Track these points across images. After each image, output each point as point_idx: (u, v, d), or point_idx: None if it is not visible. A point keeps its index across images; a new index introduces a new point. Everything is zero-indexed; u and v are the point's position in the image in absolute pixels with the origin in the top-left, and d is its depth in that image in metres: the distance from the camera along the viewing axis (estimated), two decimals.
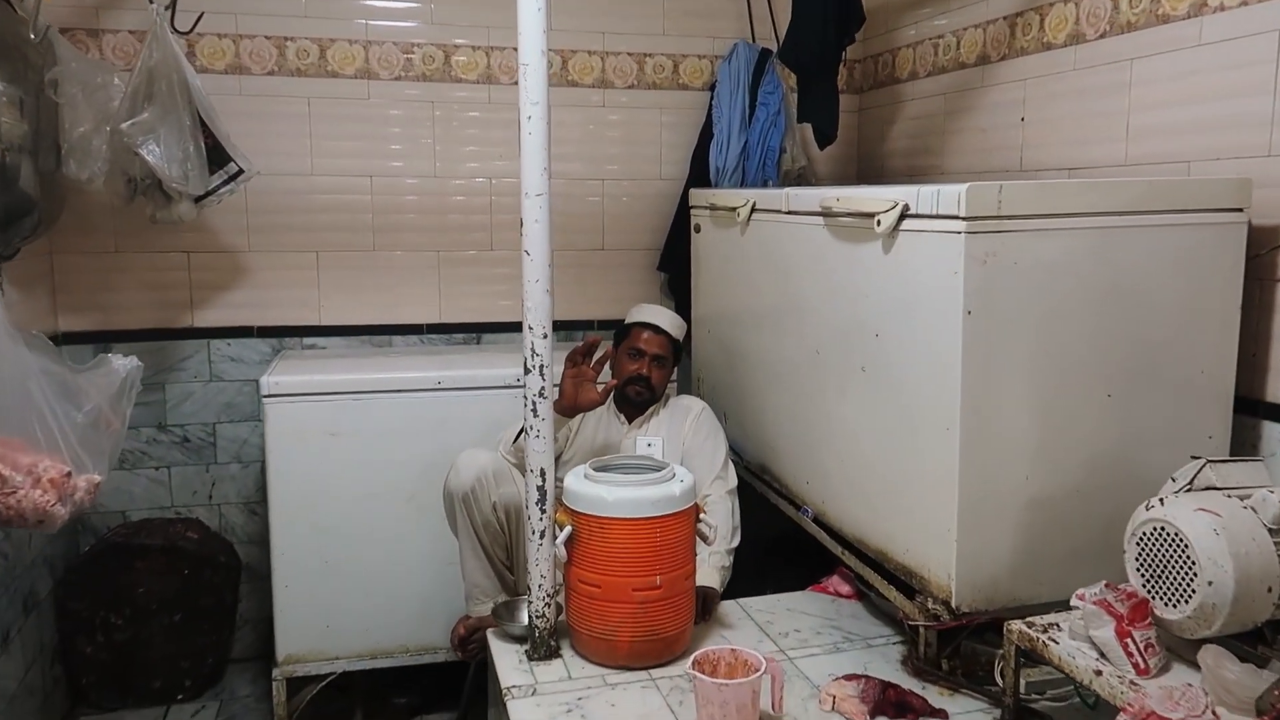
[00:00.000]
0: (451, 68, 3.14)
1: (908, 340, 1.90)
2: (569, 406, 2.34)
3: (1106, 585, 1.55)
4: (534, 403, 1.93)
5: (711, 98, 3.25)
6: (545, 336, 1.91)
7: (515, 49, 1.84)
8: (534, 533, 1.97)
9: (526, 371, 1.93)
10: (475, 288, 3.25)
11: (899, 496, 1.97)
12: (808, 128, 3.09)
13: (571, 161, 3.24)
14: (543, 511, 1.96)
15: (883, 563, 2.04)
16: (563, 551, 1.96)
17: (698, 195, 3.09)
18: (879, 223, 1.92)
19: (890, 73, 3.29)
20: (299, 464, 2.68)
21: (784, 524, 2.53)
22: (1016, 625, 1.65)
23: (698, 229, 3.07)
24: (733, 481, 2.51)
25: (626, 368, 2.55)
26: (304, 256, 3.11)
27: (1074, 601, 1.55)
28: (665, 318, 2.61)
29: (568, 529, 1.96)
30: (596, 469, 2.03)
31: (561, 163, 3.13)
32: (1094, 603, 1.51)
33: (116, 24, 2.87)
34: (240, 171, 2.63)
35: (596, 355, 2.38)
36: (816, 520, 2.33)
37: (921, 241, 1.84)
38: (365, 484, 2.72)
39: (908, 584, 1.95)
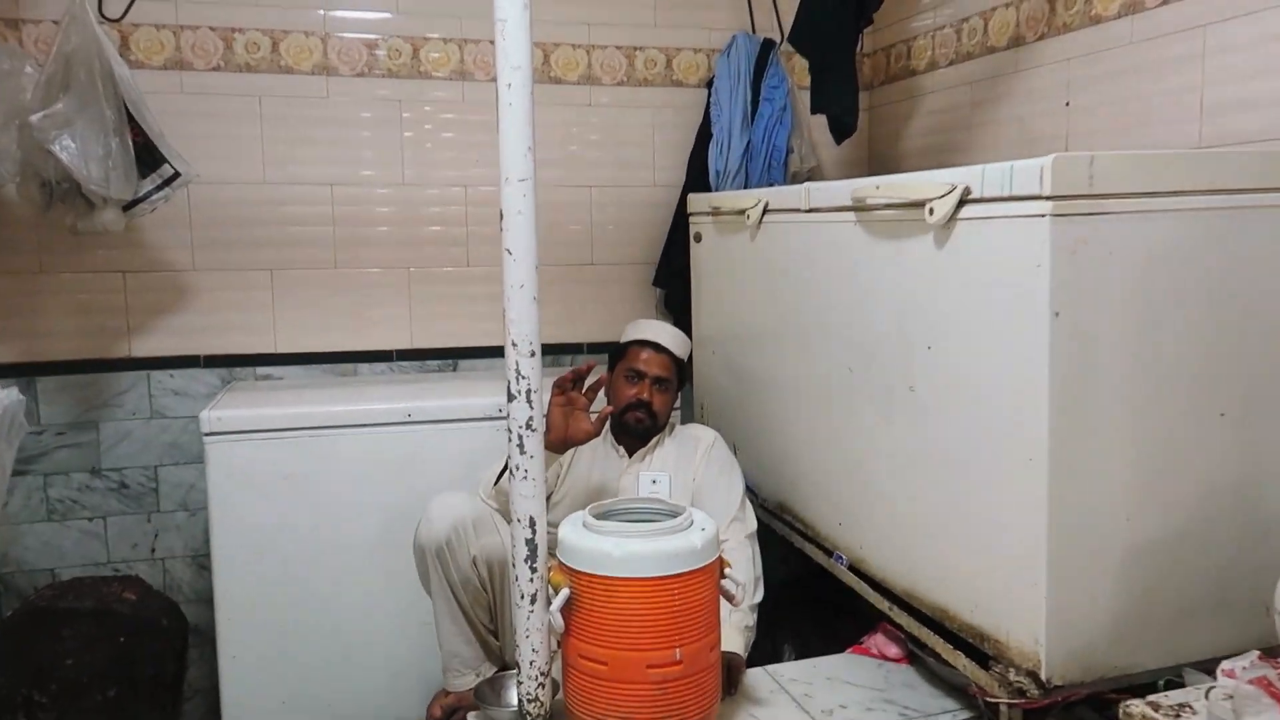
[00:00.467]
0: (421, 63, 2.82)
1: (972, 352, 1.58)
2: (559, 440, 2.02)
3: (1260, 657, 1.22)
4: (520, 436, 1.58)
5: (709, 95, 2.98)
6: (533, 354, 1.56)
7: (491, 42, 1.54)
8: (523, 596, 1.61)
9: (511, 399, 1.58)
10: (451, 308, 2.93)
11: (963, 542, 1.63)
12: (817, 125, 2.82)
13: (554, 168, 2.93)
14: (533, 571, 1.60)
15: (943, 622, 1.70)
16: (559, 619, 1.60)
17: (698, 200, 2.79)
18: (931, 211, 1.61)
19: (905, 64, 3.01)
20: (247, 512, 2.38)
21: (798, 566, 2.22)
22: (1138, 707, 1.30)
23: (698, 238, 2.77)
24: (752, 524, 2.17)
25: (624, 392, 2.22)
26: (257, 275, 2.78)
27: (1220, 679, 1.22)
28: (667, 334, 2.30)
29: (564, 591, 1.60)
30: (597, 516, 1.68)
31: (543, 169, 2.78)
32: (1250, 681, 1.17)
33: (39, 13, 2.54)
34: (176, 174, 2.29)
35: (589, 381, 2.05)
36: (853, 569, 1.99)
37: (989, 230, 1.52)
38: (325, 534, 2.43)
39: (978, 648, 1.61)
